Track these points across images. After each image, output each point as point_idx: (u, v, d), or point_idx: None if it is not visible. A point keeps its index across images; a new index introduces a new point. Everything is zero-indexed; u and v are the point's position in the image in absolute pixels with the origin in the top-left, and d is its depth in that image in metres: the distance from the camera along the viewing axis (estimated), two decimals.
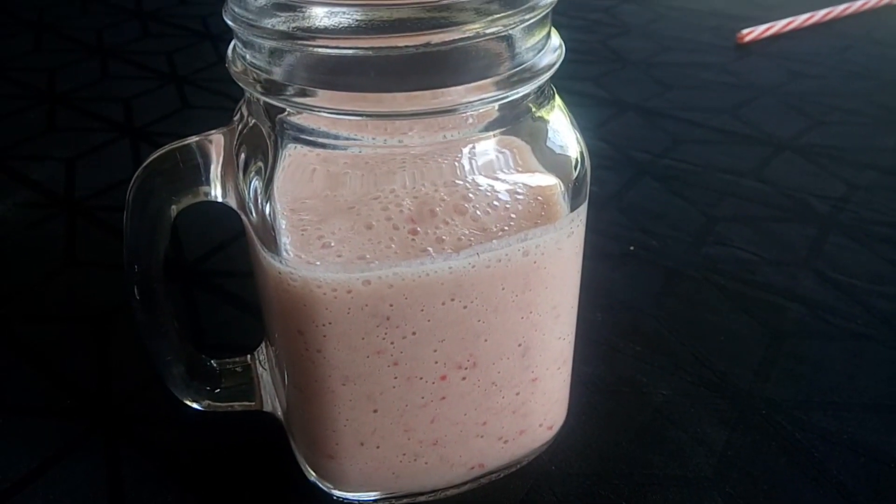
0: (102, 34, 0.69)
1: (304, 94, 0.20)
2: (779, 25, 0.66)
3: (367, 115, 0.20)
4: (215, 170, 0.23)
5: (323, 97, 0.20)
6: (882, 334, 0.35)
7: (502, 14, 0.19)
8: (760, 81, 0.58)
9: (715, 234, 0.41)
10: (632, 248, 0.40)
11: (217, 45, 0.67)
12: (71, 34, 0.70)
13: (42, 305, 0.37)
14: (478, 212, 0.22)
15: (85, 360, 0.33)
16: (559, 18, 0.23)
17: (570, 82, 0.56)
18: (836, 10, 0.70)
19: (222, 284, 0.38)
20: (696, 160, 0.48)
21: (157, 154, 0.23)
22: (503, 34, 0.20)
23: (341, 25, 0.19)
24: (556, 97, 0.24)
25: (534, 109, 0.23)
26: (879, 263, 0.39)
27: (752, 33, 0.65)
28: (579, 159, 0.24)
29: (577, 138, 0.24)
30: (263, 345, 0.28)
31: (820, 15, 0.69)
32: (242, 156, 0.22)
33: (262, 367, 0.28)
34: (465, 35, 0.19)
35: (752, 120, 0.53)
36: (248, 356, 0.28)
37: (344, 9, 0.19)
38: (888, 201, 0.44)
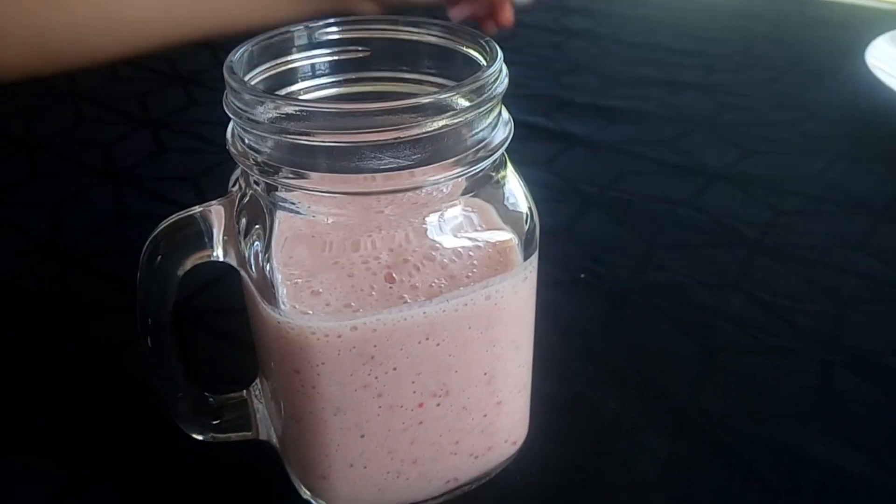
0: (74, 78, 0.72)
1: (295, 176, 0.24)
2: None
3: (352, 194, 0.24)
4: (217, 235, 0.26)
5: (312, 179, 0.23)
6: (804, 347, 0.39)
7: (464, 108, 0.23)
8: (695, 114, 0.63)
9: (655, 260, 0.46)
10: (582, 275, 0.45)
11: (187, 87, 0.70)
12: (43, 78, 0.72)
13: (42, 349, 0.40)
14: (445, 260, 0.26)
15: (88, 399, 0.36)
16: (512, 56, 0.26)
17: (524, 117, 0.60)
18: None
19: (210, 322, 0.41)
20: (637, 191, 0.53)
21: (166, 224, 0.26)
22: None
23: (325, 121, 0.23)
24: (508, 161, 0.28)
25: (493, 175, 0.27)
26: (800, 283, 0.44)
27: None
28: (529, 214, 0.28)
29: (525, 195, 0.28)
30: (258, 380, 0.32)
31: None
32: (244, 221, 0.26)
33: (259, 401, 0.31)
34: (432, 129, 0.23)
35: (688, 151, 0.58)
36: (245, 391, 0.32)
37: (327, 109, 0.23)
38: (809, 225, 0.49)
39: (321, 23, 0.28)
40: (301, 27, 0.28)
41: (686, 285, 0.44)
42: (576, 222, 0.50)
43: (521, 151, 0.29)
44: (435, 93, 0.23)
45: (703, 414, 0.35)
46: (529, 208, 0.28)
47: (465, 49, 0.27)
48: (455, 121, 0.23)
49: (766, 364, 0.38)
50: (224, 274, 0.42)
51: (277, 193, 0.25)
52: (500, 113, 0.26)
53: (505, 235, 0.27)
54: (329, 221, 0.25)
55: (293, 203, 0.25)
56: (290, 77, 0.28)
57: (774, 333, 0.40)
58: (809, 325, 0.41)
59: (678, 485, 0.32)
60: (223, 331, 0.40)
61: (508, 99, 0.26)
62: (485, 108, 0.24)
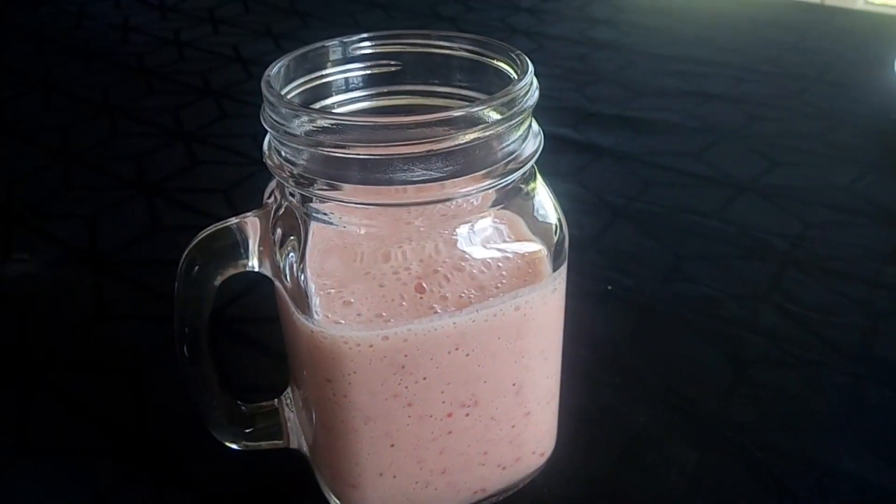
0: (108, 92, 0.73)
1: (330, 187, 0.24)
2: None
3: (384, 206, 0.24)
4: (253, 246, 0.27)
5: (346, 190, 0.24)
6: (833, 361, 0.39)
7: (495, 121, 0.24)
8: (723, 125, 0.63)
9: (683, 272, 0.46)
10: (609, 287, 0.45)
11: (219, 100, 0.71)
12: (78, 92, 0.74)
13: (78, 355, 0.41)
14: (474, 270, 0.27)
15: (123, 406, 0.37)
16: (538, 68, 0.26)
17: (550, 128, 0.60)
18: None
19: (241, 331, 0.42)
20: (665, 203, 0.53)
21: (203, 235, 0.27)
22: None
23: (359, 134, 0.23)
24: (537, 172, 0.28)
25: (522, 187, 0.27)
26: (831, 296, 0.43)
27: None
28: (558, 225, 0.28)
29: (554, 206, 0.28)
30: (290, 389, 0.32)
31: None
32: (279, 231, 0.26)
33: (290, 410, 0.32)
34: (464, 141, 0.23)
35: (715, 163, 0.58)
36: (276, 400, 0.32)
37: (361, 122, 0.23)
38: (840, 237, 0.49)
39: (355, 38, 0.29)
40: (336, 42, 0.29)
41: (715, 297, 0.43)
42: (603, 234, 0.50)
43: (548, 163, 0.29)
44: (466, 106, 0.23)
45: (732, 427, 0.35)
46: (559, 220, 0.28)
47: (495, 62, 0.28)
48: (486, 133, 0.23)
49: (797, 377, 0.38)
50: (255, 284, 0.43)
51: (311, 205, 0.25)
52: (530, 125, 0.27)
53: (534, 247, 0.27)
54: (361, 232, 0.26)
55: (326, 214, 0.25)
56: (324, 91, 0.29)
57: (805, 346, 0.40)
58: (840, 338, 0.40)
59: (707, 498, 0.32)
60: (254, 340, 0.41)
61: (535, 110, 0.26)
62: (515, 120, 0.24)
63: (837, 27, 0.85)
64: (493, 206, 0.26)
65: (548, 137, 0.27)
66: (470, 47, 0.28)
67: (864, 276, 0.45)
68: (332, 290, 0.26)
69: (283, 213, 0.26)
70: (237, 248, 0.27)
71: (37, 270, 0.48)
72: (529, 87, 0.25)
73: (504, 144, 0.25)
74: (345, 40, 0.29)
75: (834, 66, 0.74)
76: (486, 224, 0.26)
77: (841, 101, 0.67)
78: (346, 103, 0.29)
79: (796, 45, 0.80)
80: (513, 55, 0.27)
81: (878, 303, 0.43)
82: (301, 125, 0.24)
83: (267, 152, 0.26)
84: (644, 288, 0.44)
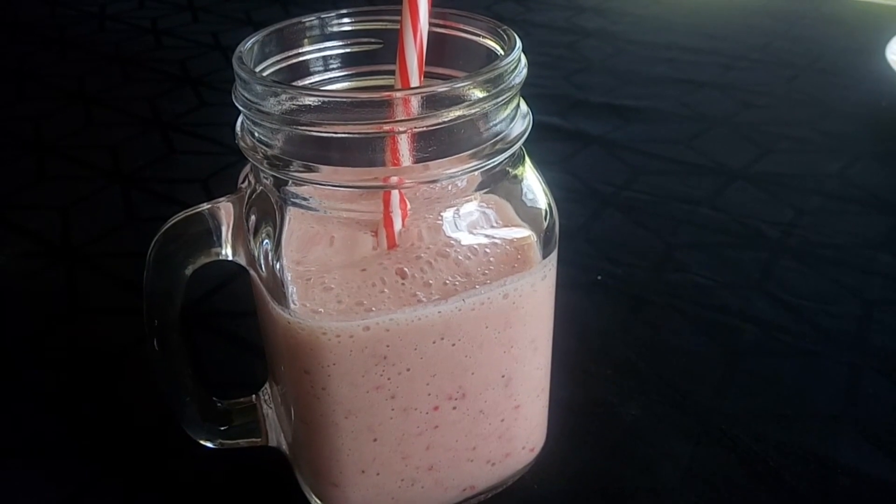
0: (84, 81, 0.71)
1: (306, 169, 0.23)
2: None
3: (364, 188, 0.23)
4: (226, 233, 0.25)
5: (324, 172, 0.23)
6: (828, 350, 0.38)
7: (480, 98, 0.22)
8: (713, 112, 0.62)
9: (674, 261, 0.45)
10: (599, 277, 0.43)
11: (197, 89, 0.69)
12: (52, 81, 0.71)
13: (49, 351, 0.39)
14: (460, 257, 0.25)
15: (96, 403, 0.36)
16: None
17: (537, 116, 0.59)
18: None
19: (219, 325, 0.40)
20: (654, 191, 0.52)
21: (173, 221, 0.25)
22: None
23: (337, 111, 0.22)
24: (526, 156, 0.27)
25: (510, 170, 0.26)
26: (825, 284, 0.42)
27: None
28: (548, 211, 0.27)
29: (544, 191, 0.27)
30: (268, 384, 0.31)
31: None
32: (253, 218, 0.25)
33: (268, 406, 0.30)
34: (448, 119, 0.22)
35: (706, 150, 0.57)
36: (254, 395, 0.31)
37: (338, 98, 0.22)
38: (832, 225, 0.48)
39: (333, 14, 0.28)
40: (313, 18, 0.27)
41: (707, 286, 0.42)
42: (592, 222, 0.48)
43: (536, 151, 0.28)
44: (451, 81, 0.22)
45: (727, 419, 0.34)
46: (549, 205, 0.27)
47: (482, 40, 0.26)
48: (471, 111, 0.22)
49: (792, 367, 0.37)
50: (233, 276, 0.42)
51: (287, 188, 0.24)
52: (518, 105, 0.25)
53: (523, 232, 0.26)
54: (341, 217, 0.24)
55: (304, 199, 0.24)
56: (300, 70, 0.27)
57: (799, 336, 0.39)
58: (835, 326, 0.39)
59: (701, 493, 0.31)
60: (233, 334, 0.40)
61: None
62: (502, 98, 0.23)
63: (827, 14, 0.84)
64: (480, 189, 0.25)
65: (535, 125, 0.26)
66: (454, 24, 0.27)
67: (857, 263, 0.44)
68: (310, 279, 0.25)
69: (258, 198, 0.25)
70: (209, 235, 0.25)
71: (7, 263, 0.46)
72: (517, 64, 0.24)
73: (491, 124, 0.24)
74: (323, 16, 0.27)
75: (824, 53, 0.73)
76: (471, 208, 0.25)
77: (832, 89, 0.66)
78: (324, 83, 0.28)
79: (786, 33, 0.79)
80: (500, 31, 0.26)
81: (872, 290, 0.42)
82: (275, 103, 0.23)
83: (239, 133, 0.25)
84: (635, 277, 0.43)
